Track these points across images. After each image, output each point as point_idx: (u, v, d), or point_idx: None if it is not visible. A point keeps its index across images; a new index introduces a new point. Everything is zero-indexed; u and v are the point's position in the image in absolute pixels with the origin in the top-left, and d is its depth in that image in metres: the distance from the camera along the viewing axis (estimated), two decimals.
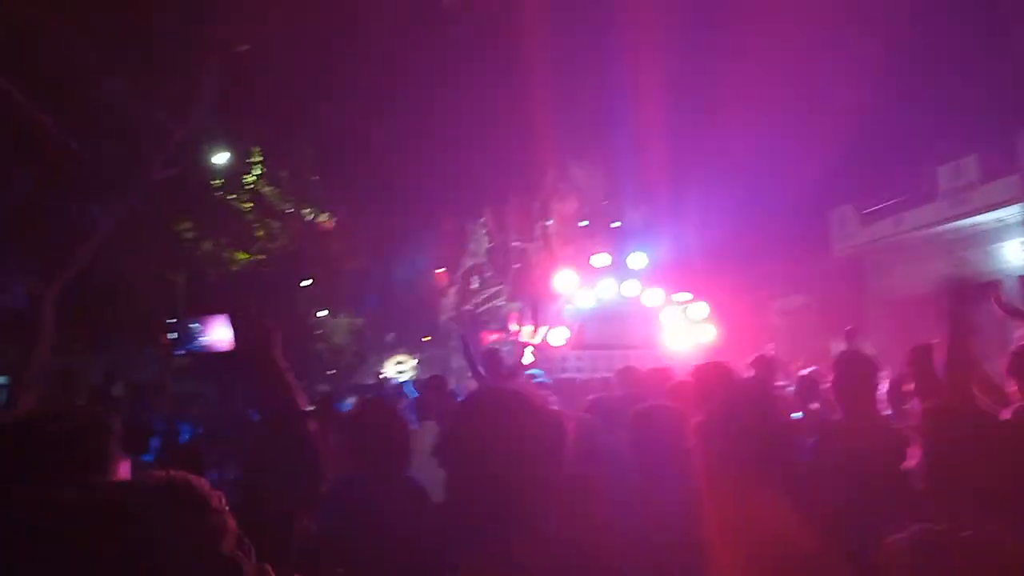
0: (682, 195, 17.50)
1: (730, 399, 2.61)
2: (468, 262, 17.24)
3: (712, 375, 4.15)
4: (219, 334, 1.99)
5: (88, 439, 1.60)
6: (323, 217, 14.23)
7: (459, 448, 1.57)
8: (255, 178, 13.18)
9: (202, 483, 1.38)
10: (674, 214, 15.70)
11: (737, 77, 18.75)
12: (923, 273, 16.38)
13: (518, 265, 13.84)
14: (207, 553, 1.30)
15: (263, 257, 13.56)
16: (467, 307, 16.51)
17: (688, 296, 12.80)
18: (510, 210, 14.87)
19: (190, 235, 12.47)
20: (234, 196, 12.92)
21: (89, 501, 1.30)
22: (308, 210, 14.05)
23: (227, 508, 1.40)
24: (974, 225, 16.73)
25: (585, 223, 13.59)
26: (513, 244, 14.45)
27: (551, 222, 13.71)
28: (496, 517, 1.47)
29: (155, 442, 5.40)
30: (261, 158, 13.14)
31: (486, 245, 16.11)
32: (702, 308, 12.85)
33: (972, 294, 2.92)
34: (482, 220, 16.14)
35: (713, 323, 12.71)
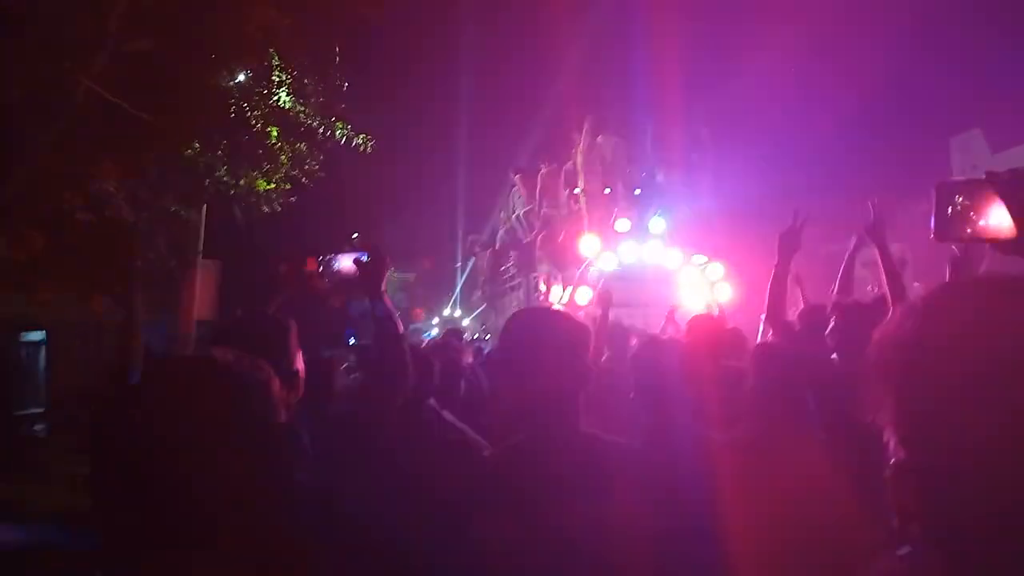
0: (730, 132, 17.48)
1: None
2: (501, 227, 18.08)
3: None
4: (345, 264, 2.43)
5: (277, 334, 2.24)
6: (359, 139, 11.19)
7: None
8: (281, 91, 10.51)
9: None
10: (710, 171, 16.14)
11: None
12: None
13: (544, 232, 14.63)
14: None
15: (288, 187, 11.07)
16: (501, 268, 17.38)
17: (704, 258, 13.51)
18: (540, 178, 15.62)
19: (200, 156, 10.09)
20: (254, 112, 10.29)
21: None
22: (340, 129, 11.03)
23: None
24: None
25: (608, 190, 14.30)
26: (544, 210, 15.22)
27: (579, 190, 14.42)
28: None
29: None
30: (280, 62, 10.37)
31: (522, 209, 16.88)
32: (718, 268, 13.56)
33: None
34: (515, 187, 16.91)
35: (729, 282, 13.41)
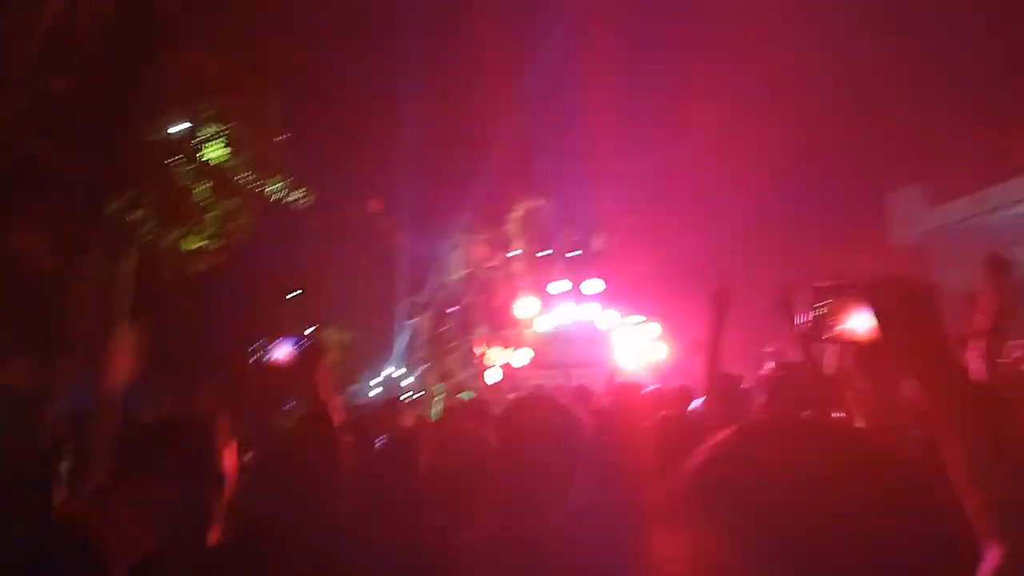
0: (656, 207, 17.79)
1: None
2: (442, 287, 18.06)
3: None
4: (281, 352, 2.37)
5: (202, 438, 2.11)
6: (297, 194, 10.62)
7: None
8: (215, 146, 9.75)
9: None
10: (646, 233, 16.46)
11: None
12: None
13: (481, 294, 14.69)
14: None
15: (220, 244, 10.34)
16: (441, 330, 17.29)
17: (641, 318, 13.71)
18: (477, 242, 15.73)
19: (127, 211, 9.18)
20: (185, 166, 9.42)
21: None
22: (278, 184, 10.33)
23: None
24: None
25: (544, 252, 14.48)
26: (481, 273, 15.29)
27: (515, 253, 14.56)
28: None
29: None
30: (211, 113, 9.67)
31: (459, 272, 16.91)
32: (654, 328, 13.76)
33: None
34: (453, 250, 16.98)
35: (666, 342, 13.57)
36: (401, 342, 25.41)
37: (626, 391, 5.14)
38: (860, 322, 1.25)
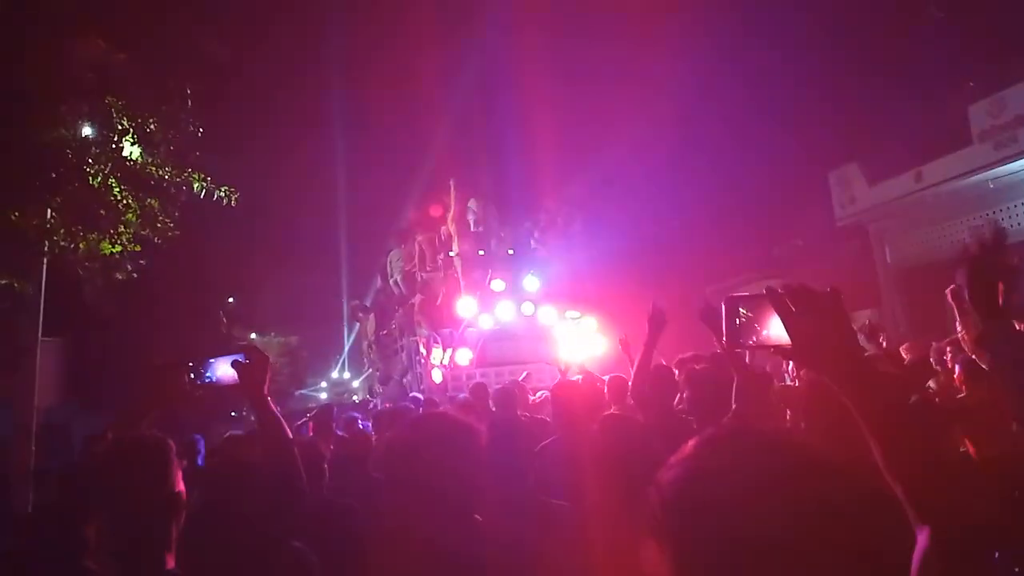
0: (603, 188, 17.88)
1: None
2: (384, 289, 18.07)
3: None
4: (224, 371, 2.33)
5: (154, 458, 2.15)
6: (221, 192, 9.71)
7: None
8: (125, 140, 8.95)
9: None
10: (583, 227, 16.71)
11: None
12: (947, 236, 14.73)
13: (422, 296, 14.76)
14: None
15: (138, 249, 9.50)
16: (384, 332, 17.32)
17: (578, 313, 13.99)
18: (417, 243, 15.78)
19: (30, 220, 8.44)
20: (93, 165, 8.63)
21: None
22: (198, 182, 9.52)
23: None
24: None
25: (482, 252, 14.63)
26: (421, 274, 15.36)
27: (454, 253, 14.66)
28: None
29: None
30: (120, 106, 8.85)
31: (399, 274, 16.95)
32: (592, 322, 14.05)
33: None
34: (392, 251, 17.00)
35: (604, 335, 13.86)
36: (348, 344, 25.41)
37: (565, 391, 5.25)
38: (779, 327, 1.35)
